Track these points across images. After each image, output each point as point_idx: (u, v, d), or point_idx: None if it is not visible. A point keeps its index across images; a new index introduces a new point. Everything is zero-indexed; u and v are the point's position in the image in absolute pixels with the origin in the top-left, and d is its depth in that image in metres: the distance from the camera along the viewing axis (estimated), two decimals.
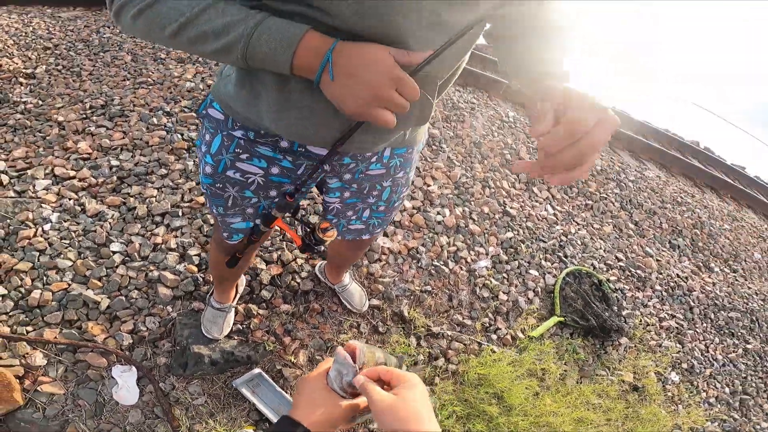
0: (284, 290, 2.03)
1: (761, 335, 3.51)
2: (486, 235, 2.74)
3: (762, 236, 5.18)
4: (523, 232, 2.90)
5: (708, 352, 3.05)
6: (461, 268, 2.48)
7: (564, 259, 2.89)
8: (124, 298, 1.81)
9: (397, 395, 0.62)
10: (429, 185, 2.82)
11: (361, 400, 0.67)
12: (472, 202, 2.88)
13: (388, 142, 1.02)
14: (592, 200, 3.66)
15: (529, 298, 2.56)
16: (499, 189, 3.13)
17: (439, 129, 3.39)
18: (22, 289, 1.76)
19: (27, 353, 1.62)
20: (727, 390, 2.92)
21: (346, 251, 1.68)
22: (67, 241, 1.93)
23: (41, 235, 1.93)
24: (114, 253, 1.92)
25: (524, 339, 2.38)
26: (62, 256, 1.88)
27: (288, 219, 1.32)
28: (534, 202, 3.24)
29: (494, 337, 2.32)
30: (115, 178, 2.21)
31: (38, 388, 1.57)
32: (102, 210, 2.06)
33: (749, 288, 3.94)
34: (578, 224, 3.30)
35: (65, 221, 2.00)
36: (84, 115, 2.56)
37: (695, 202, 4.79)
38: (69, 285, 1.81)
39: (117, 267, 1.89)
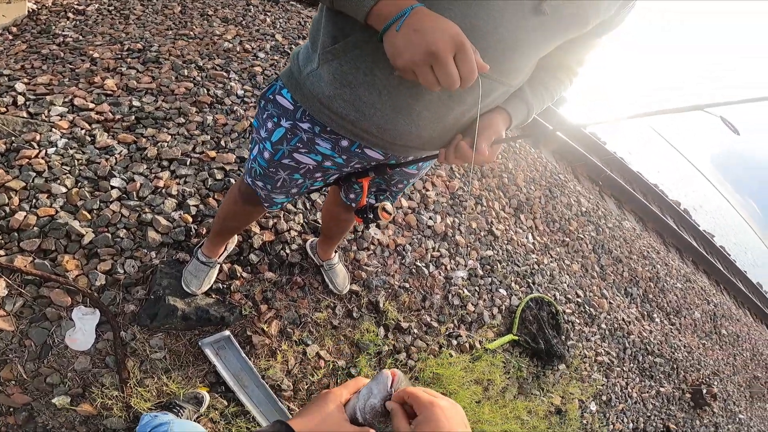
0: (272, 258, 1.96)
1: (675, 381, 3.62)
2: (468, 248, 2.72)
3: (707, 299, 5.31)
4: (502, 254, 2.89)
5: (626, 389, 3.12)
6: (440, 273, 2.46)
7: (532, 285, 2.90)
8: (110, 235, 1.67)
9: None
10: (428, 190, 2.78)
11: None
12: (463, 215, 2.86)
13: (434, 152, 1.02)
14: (570, 238, 3.66)
15: (492, 314, 2.57)
16: (490, 209, 3.10)
17: None
18: (7, 209, 1.62)
19: None
20: (630, 425, 2.99)
21: (342, 213, 1.55)
22: (68, 168, 1.80)
23: (43, 158, 1.80)
24: (112, 188, 1.80)
25: (480, 349, 2.39)
26: (59, 181, 1.74)
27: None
28: (518, 228, 3.23)
29: (455, 342, 2.32)
30: (133, 117, 2.10)
31: None
32: (112, 144, 1.95)
33: (680, 341, 4.05)
34: (552, 257, 3.31)
35: (71, 149, 1.88)
36: (119, 56, 2.46)
37: (659, 259, 4.86)
38: (57, 212, 1.67)
39: (111, 202, 1.76)
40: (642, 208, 5.57)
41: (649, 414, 3.18)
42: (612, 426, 2.86)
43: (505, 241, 3.00)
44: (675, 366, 3.71)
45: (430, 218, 2.64)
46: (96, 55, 2.41)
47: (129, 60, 2.43)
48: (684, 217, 6.94)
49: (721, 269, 6.60)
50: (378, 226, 2.36)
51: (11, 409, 1.38)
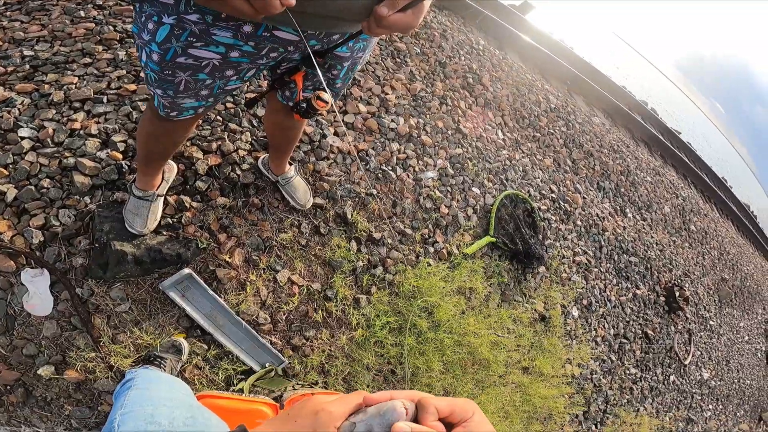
0: (222, 182, 1.86)
1: (650, 283, 3.86)
2: (436, 147, 2.69)
3: (676, 193, 5.61)
4: (472, 151, 2.88)
5: (605, 292, 3.30)
6: (408, 175, 2.43)
7: (505, 182, 2.94)
8: (33, 187, 1.61)
9: None
10: (387, 94, 2.67)
11: None
12: (428, 115, 2.79)
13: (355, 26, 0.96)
14: (540, 133, 3.70)
15: (467, 215, 2.59)
16: (455, 108, 3.05)
17: (406, 44, 3.19)
18: None
19: None
20: (612, 331, 3.21)
21: (284, 119, 1.50)
22: None
23: None
24: (23, 138, 1.70)
25: (458, 255, 2.43)
26: None
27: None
28: (487, 125, 3.21)
29: (431, 249, 2.34)
30: (27, 66, 1.94)
31: None
32: (10, 96, 1.81)
33: (652, 237, 4.28)
34: (523, 152, 3.34)
35: None
36: None
37: (629, 152, 5.03)
38: None
39: (26, 153, 1.67)
40: (611, 105, 5.74)
41: (627, 319, 3.41)
42: (595, 332, 3.06)
43: (475, 139, 2.98)
44: (649, 266, 3.94)
45: (393, 121, 2.56)
46: None
47: (9, 14, 2.22)
48: (651, 114, 7.22)
49: (688, 162, 6.98)
50: (334, 128, 2.26)
51: (8, 387, 1.47)
